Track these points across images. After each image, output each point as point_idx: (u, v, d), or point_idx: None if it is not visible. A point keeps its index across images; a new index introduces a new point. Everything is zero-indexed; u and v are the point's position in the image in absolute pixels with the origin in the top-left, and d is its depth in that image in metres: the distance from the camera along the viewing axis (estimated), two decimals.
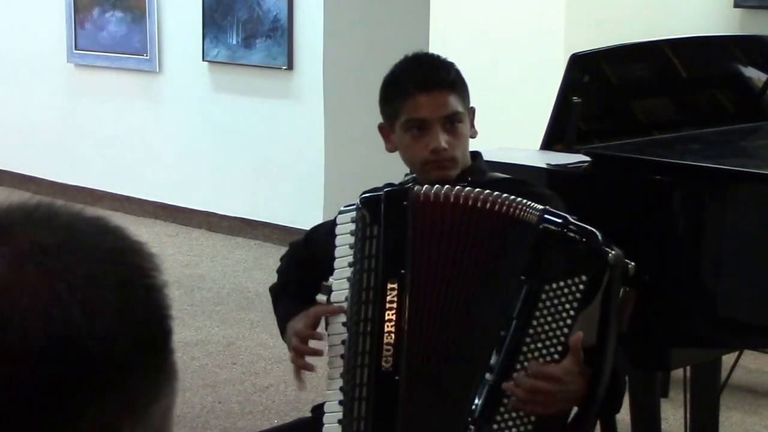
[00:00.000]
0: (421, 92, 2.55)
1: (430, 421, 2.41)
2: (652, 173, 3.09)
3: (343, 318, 2.45)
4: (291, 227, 6.74)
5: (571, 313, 2.24)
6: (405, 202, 2.40)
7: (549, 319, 2.26)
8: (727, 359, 3.87)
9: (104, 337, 0.85)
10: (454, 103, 2.56)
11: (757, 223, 3.05)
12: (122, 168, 7.60)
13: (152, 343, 0.89)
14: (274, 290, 2.79)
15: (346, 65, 5.72)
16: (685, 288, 3.05)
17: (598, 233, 2.27)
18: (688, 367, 3.57)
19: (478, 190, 2.37)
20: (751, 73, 3.99)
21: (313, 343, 2.54)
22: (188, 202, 7.29)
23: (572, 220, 2.30)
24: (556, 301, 2.25)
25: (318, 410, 2.66)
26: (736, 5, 6.06)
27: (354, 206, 2.48)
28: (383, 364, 2.38)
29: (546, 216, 2.31)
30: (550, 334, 2.26)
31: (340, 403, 2.42)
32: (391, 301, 2.38)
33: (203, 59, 7.02)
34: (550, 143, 3.49)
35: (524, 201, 2.35)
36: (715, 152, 3.54)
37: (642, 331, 2.91)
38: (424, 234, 2.39)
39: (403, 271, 2.38)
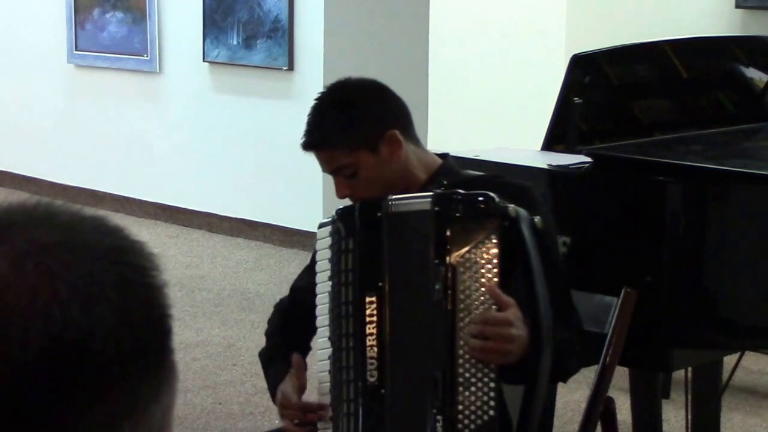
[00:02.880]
0: (307, 149, 2.59)
1: (418, 428, 2.41)
2: (654, 174, 3.09)
3: (327, 333, 2.44)
4: (291, 228, 6.74)
5: (494, 271, 2.27)
6: (379, 214, 2.39)
7: (473, 287, 2.28)
8: (729, 360, 3.87)
9: (104, 337, 0.85)
10: (334, 159, 2.55)
11: (758, 224, 3.05)
12: (123, 169, 7.60)
13: (152, 343, 0.88)
14: (263, 355, 2.77)
15: (346, 66, 5.71)
16: (687, 289, 3.05)
17: (493, 195, 2.31)
18: (689, 368, 3.56)
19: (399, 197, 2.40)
20: (753, 73, 3.99)
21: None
22: (189, 203, 7.29)
23: (462, 192, 2.33)
24: (473, 269, 2.28)
25: None
26: (738, 6, 6.06)
27: (331, 219, 2.47)
28: (368, 378, 2.37)
29: (436, 198, 2.34)
30: (481, 299, 2.28)
31: (331, 419, 2.42)
32: (371, 315, 2.37)
33: (204, 60, 7.02)
34: (551, 144, 3.49)
35: (411, 195, 2.40)
36: (716, 153, 3.54)
37: (643, 332, 2.91)
38: (398, 245, 2.39)
39: (380, 284, 2.37)
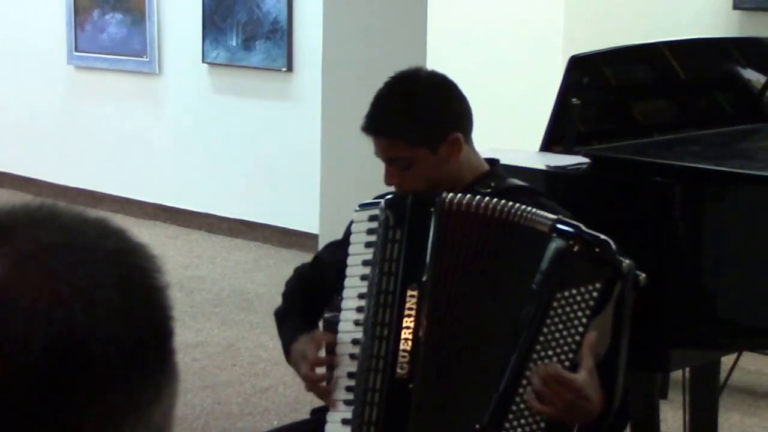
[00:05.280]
0: (367, 133, 2.57)
1: (441, 430, 2.40)
2: (652, 175, 3.09)
3: (354, 316, 2.43)
4: (290, 229, 6.74)
5: (584, 321, 2.22)
6: (431, 209, 2.37)
7: (560, 326, 2.23)
8: (726, 360, 3.88)
9: (106, 338, 0.85)
10: (393, 149, 2.54)
11: (756, 225, 3.05)
12: (122, 170, 7.60)
13: (154, 344, 0.89)
14: (278, 314, 2.76)
15: (345, 67, 5.72)
16: (685, 289, 3.05)
17: (611, 242, 2.25)
18: (687, 369, 3.57)
19: (496, 200, 2.35)
20: (750, 74, 3.99)
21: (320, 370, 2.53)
22: (188, 204, 7.30)
23: (585, 229, 2.28)
24: (567, 309, 2.23)
25: (317, 413, 2.66)
26: (735, 7, 6.06)
27: (374, 204, 2.46)
28: (398, 370, 2.36)
29: (558, 225, 2.29)
30: (561, 341, 2.23)
31: (346, 403, 2.41)
32: (410, 308, 2.35)
33: (203, 61, 7.03)
34: (549, 145, 3.49)
35: (536, 210, 2.33)
36: (714, 154, 3.54)
37: (641, 333, 2.92)
38: (447, 242, 2.36)
39: (424, 279, 2.36)
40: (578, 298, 2.23)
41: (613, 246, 2.25)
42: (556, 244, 2.27)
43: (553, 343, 2.24)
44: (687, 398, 3.61)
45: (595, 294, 2.22)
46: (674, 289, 3.04)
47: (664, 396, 4.17)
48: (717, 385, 3.65)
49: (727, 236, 3.05)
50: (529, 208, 2.33)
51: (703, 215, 3.07)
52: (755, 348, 4.36)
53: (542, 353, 2.24)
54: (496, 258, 2.36)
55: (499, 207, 2.34)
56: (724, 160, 3.36)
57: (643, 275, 2.28)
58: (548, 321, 2.24)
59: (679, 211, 3.06)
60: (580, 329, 2.22)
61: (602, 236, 2.27)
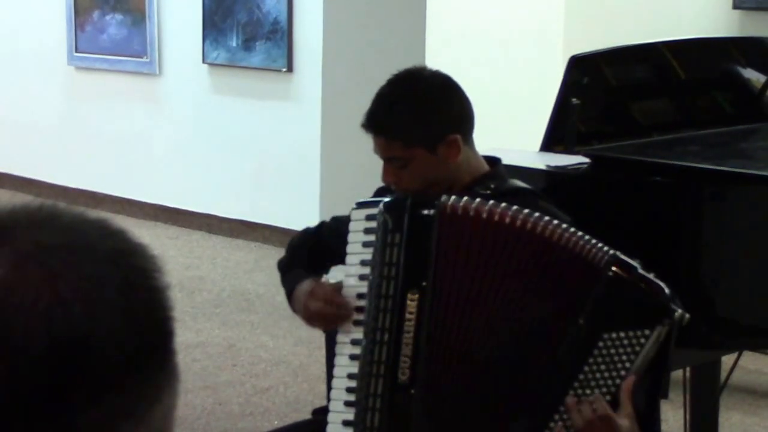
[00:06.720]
0: (367, 130, 2.57)
1: None
2: (652, 175, 3.09)
3: (353, 316, 2.43)
4: (291, 229, 6.74)
5: (627, 365, 2.19)
6: (431, 212, 2.34)
7: (603, 368, 2.20)
8: (727, 360, 3.87)
9: (106, 338, 0.85)
10: (390, 148, 2.53)
11: (756, 225, 3.05)
12: (122, 170, 7.61)
13: (154, 344, 0.89)
14: (282, 265, 2.73)
15: (345, 68, 5.73)
16: (685, 289, 3.05)
17: (665, 287, 2.22)
18: (687, 368, 3.57)
19: (528, 212, 2.31)
20: (750, 74, 3.99)
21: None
22: (188, 205, 7.30)
23: (641, 271, 2.23)
24: (613, 351, 2.19)
25: (319, 413, 2.65)
26: (735, 7, 6.07)
27: (372, 203, 2.44)
28: (400, 376, 2.34)
29: (616, 262, 2.24)
30: (601, 383, 2.20)
31: (347, 404, 2.40)
32: (411, 312, 2.33)
33: (203, 61, 7.03)
34: (549, 145, 3.49)
35: (595, 241, 2.27)
36: (714, 154, 3.54)
37: None
38: (449, 247, 2.33)
39: (424, 283, 2.33)
40: (626, 341, 2.19)
41: (668, 292, 2.21)
42: (610, 281, 2.23)
43: (593, 383, 2.20)
44: (687, 398, 3.61)
45: (642, 340, 2.19)
46: (674, 288, 3.04)
47: (665, 396, 4.16)
48: (717, 385, 3.65)
49: (727, 236, 3.06)
50: (581, 234, 2.27)
51: (703, 215, 3.08)
52: (755, 348, 4.36)
53: (579, 391, 2.21)
54: (520, 270, 2.31)
55: (541, 223, 2.28)
56: (724, 160, 3.36)
57: (687, 315, 2.22)
58: (591, 360, 2.21)
59: (679, 211, 3.06)
60: (623, 373, 2.19)
61: (657, 280, 2.23)
